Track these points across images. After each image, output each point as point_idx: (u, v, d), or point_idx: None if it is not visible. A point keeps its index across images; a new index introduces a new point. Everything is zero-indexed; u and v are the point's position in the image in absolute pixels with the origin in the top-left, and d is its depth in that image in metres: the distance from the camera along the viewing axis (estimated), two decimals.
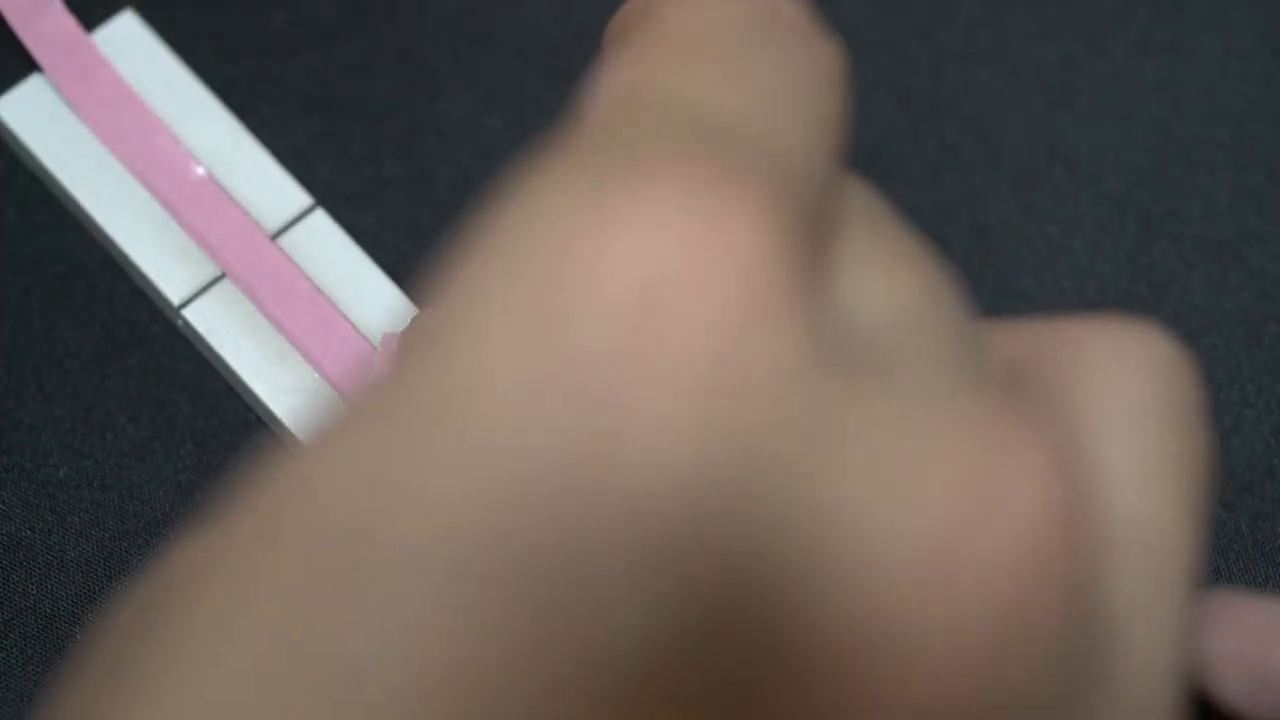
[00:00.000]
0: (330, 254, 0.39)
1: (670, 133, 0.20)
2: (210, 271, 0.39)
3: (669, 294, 0.19)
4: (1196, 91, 0.43)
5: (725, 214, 0.19)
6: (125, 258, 0.39)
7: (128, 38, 0.40)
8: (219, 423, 0.38)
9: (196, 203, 0.39)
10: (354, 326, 0.38)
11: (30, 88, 0.40)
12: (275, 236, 0.39)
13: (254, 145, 0.40)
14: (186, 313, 0.38)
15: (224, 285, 0.38)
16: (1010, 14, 0.43)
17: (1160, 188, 0.42)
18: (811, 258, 0.21)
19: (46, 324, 0.39)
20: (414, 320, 0.27)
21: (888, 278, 0.22)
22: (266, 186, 0.39)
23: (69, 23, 0.40)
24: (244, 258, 0.39)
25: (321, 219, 0.39)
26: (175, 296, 0.38)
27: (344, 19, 0.42)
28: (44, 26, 0.40)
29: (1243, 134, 0.42)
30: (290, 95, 0.41)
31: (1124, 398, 0.24)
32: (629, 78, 0.22)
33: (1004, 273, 0.41)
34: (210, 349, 0.38)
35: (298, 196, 0.39)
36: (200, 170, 0.39)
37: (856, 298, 0.22)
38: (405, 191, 0.41)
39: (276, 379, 0.38)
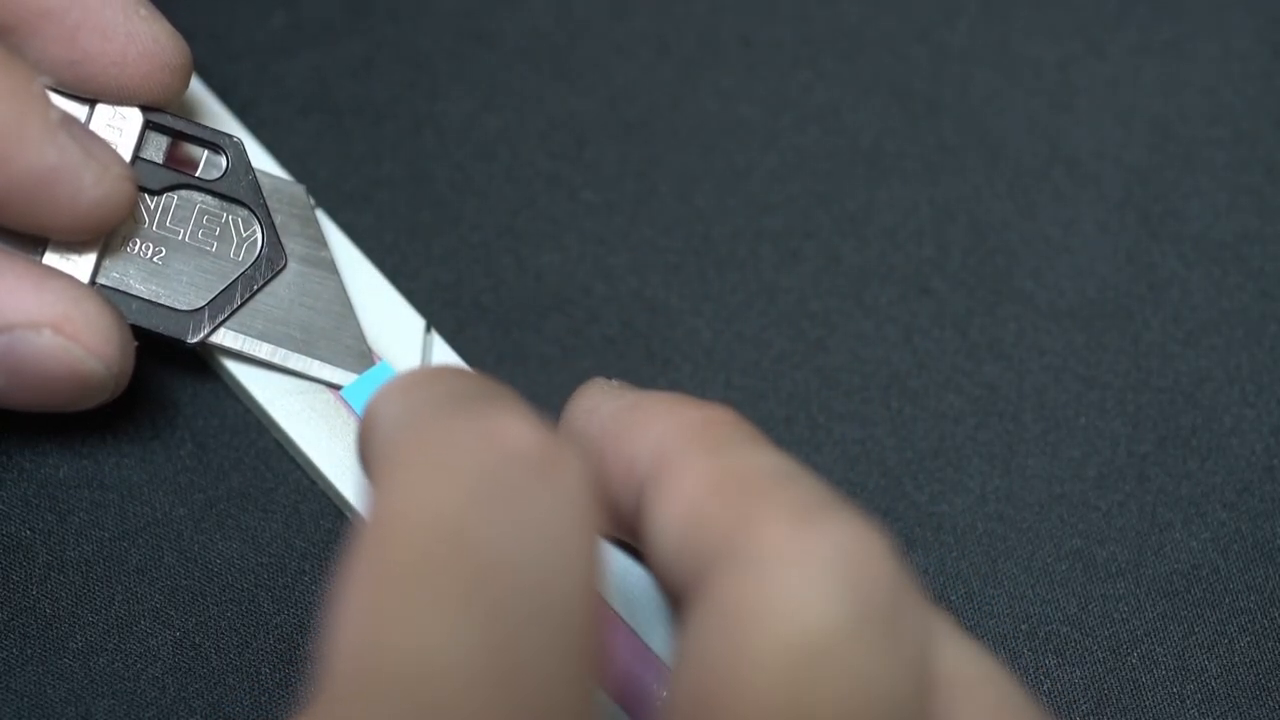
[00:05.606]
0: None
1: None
2: None
3: None
4: (1196, 92, 0.43)
5: None
6: None
7: None
8: (219, 423, 0.38)
9: None
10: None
11: None
12: None
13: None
14: None
15: None
16: (1010, 14, 0.43)
17: (1160, 188, 0.42)
18: None
19: None
20: None
21: None
22: None
23: None
24: None
25: (321, 219, 0.39)
26: None
27: (344, 19, 0.42)
28: None
29: (1242, 134, 0.42)
30: (290, 95, 0.41)
31: None
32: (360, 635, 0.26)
33: (1004, 273, 0.41)
34: (209, 351, 0.38)
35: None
36: None
37: None
38: (405, 191, 0.41)
39: (274, 381, 0.38)
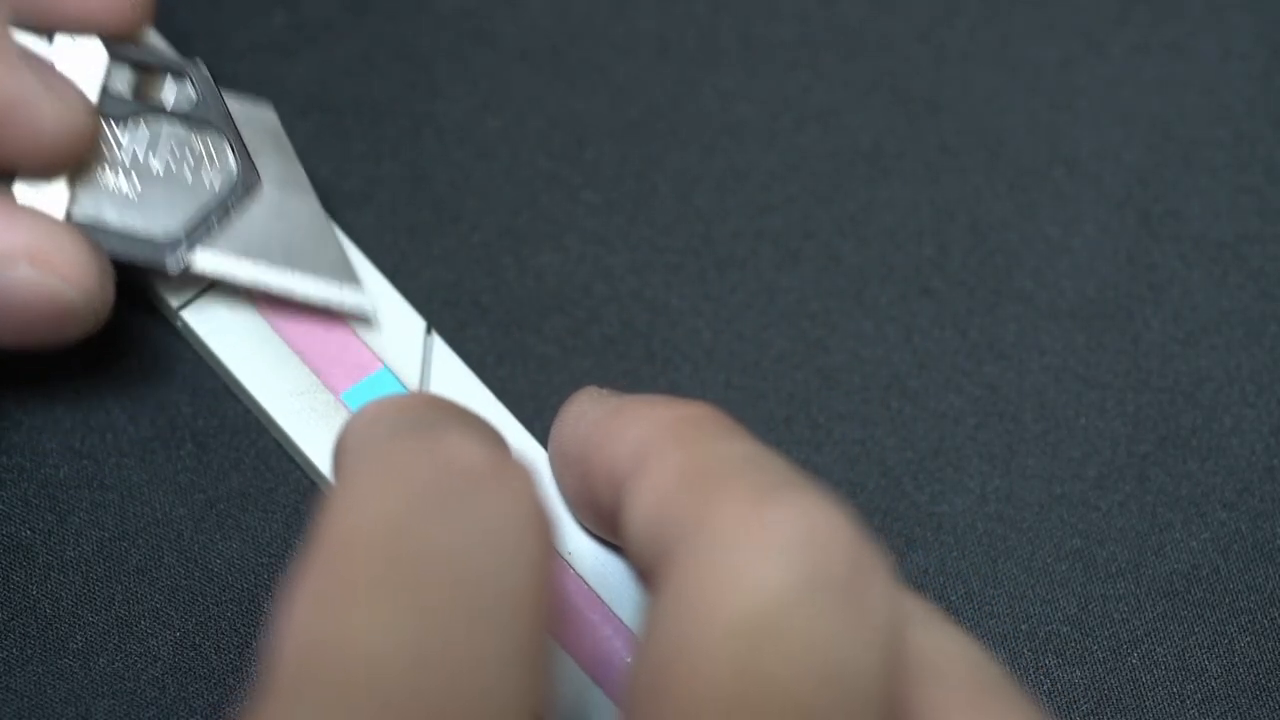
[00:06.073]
0: None
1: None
2: None
3: None
4: (1196, 92, 0.43)
5: None
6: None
7: None
8: (219, 423, 0.38)
9: None
10: (353, 330, 0.38)
11: None
12: None
13: None
14: (185, 314, 0.38)
15: (223, 287, 0.38)
16: (1010, 14, 0.43)
17: (1160, 188, 0.42)
18: None
19: None
20: None
21: None
22: None
23: None
24: None
25: None
26: (174, 298, 0.38)
27: (344, 19, 0.42)
28: None
29: (1242, 134, 0.42)
30: (290, 95, 0.41)
31: None
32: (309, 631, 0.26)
33: (1004, 273, 0.41)
34: (209, 351, 0.38)
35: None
36: None
37: None
38: (404, 191, 0.41)
39: (275, 382, 0.38)
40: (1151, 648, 0.38)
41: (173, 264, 0.36)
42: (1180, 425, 0.40)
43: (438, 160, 0.41)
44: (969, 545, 0.39)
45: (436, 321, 0.39)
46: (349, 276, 0.37)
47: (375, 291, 0.39)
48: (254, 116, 0.37)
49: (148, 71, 0.37)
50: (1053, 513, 0.39)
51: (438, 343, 0.39)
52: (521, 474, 0.28)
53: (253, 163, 0.37)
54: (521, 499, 0.28)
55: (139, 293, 0.39)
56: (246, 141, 0.37)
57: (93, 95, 0.36)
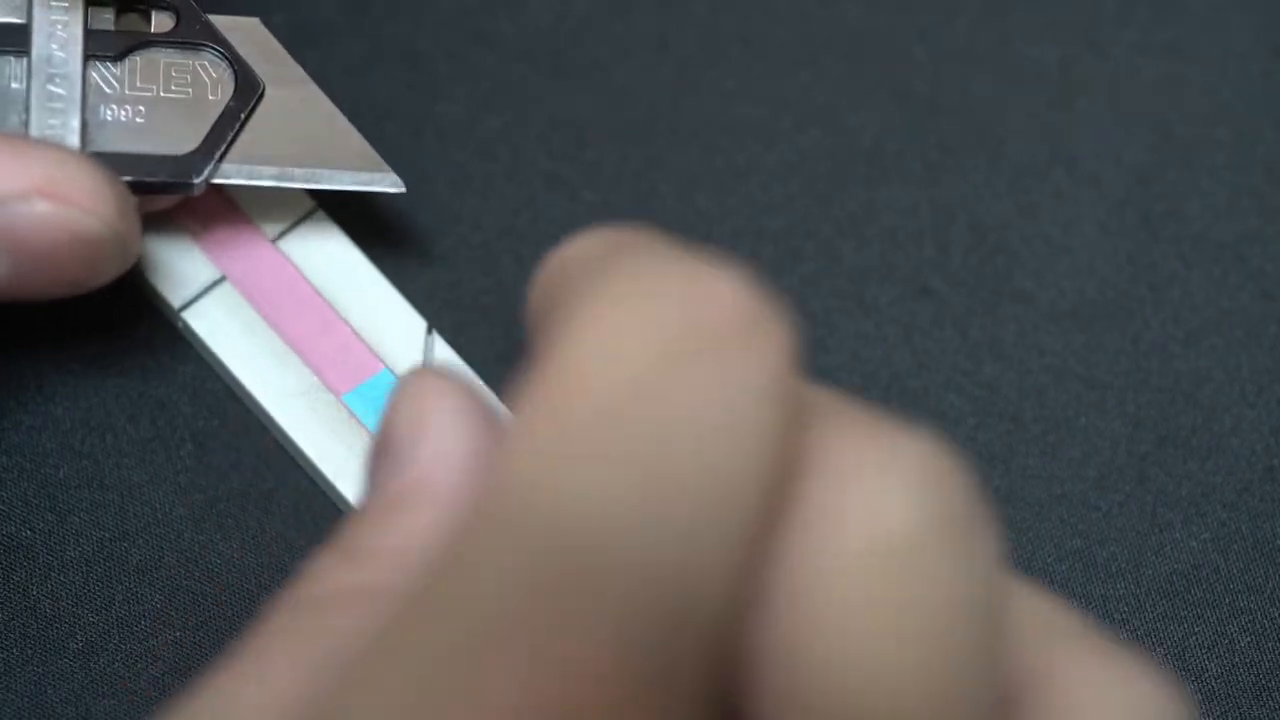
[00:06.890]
0: (330, 256, 0.39)
1: None
2: (210, 274, 0.39)
3: None
4: (1197, 92, 0.43)
5: None
6: None
7: None
8: (219, 423, 0.38)
9: (197, 205, 0.39)
10: (354, 331, 0.38)
11: None
12: (276, 239, 0.39)
13: None
14: (186, 315, 0.38)
15: (224, 288, 0.38)
16: (1010, 14, 0.43)
17: (1160, 188, 0.42)
18: None
19: (47, 324, 0.39)
20: None
21: None
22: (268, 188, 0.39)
23: None
24: (244, 260, 0.39)
25: (322, 219, 0.39)
26: (175, 299, 0.38)
27: (344, 19, 0.42)
28: None
29: (1243, 134, 0.42)
30: None
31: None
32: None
33: (1004, 273, 0.41)
34: (210, 352, 0.38)
35: (298, 198, 0.39)
36: None
37: None
38: (405, 192, 0.41)
39: (276, 383, 0.38)
40: (1151, 648, 0.38)
41: (198, 177, 0.37)
42: (1180, 425, 0.40)
43: (438, 160, 0.41)
44: None
45: (436, 322, 0.39)
46: (374, 161, 0.37)
47: (375, 291, 0.39)
48: (242, 31, 0.38)
49: (127, 7, 0.37)
50: (1053, 513, 0.39)
51: (438, 343, 0.39)
52: (779, 331, 0.25)
53: (250, 69, 0.37)
54: (776, 365, 0.25)
55: (139, 293, 0.39)
56: (240, 51, 0.37)
57: (77, 42, 0.36)
